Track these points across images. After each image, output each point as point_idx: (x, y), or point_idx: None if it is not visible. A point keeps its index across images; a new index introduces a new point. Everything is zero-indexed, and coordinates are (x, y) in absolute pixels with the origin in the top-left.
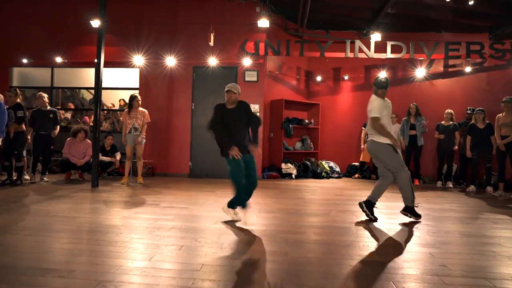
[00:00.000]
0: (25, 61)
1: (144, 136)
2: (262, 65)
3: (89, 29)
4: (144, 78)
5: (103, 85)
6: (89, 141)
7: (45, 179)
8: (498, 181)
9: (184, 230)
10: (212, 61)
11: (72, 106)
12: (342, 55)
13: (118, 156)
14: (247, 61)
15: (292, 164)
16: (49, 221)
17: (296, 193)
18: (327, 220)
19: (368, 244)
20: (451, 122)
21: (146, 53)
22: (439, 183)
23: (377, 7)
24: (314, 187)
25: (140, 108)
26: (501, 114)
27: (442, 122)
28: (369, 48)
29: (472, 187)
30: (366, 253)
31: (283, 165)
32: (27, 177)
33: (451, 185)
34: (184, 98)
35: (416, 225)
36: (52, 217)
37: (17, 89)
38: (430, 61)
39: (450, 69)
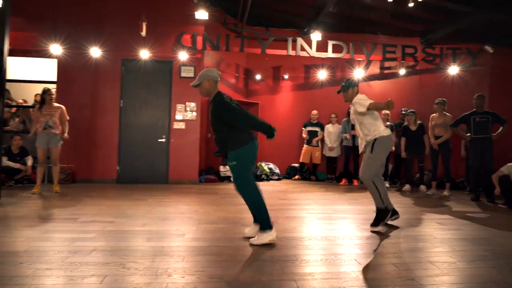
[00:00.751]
0: None
1: (61, 136)
2: (200, 60)
3: None
4: (64, 70)
5: (12, 77)
6: None
7: None
8: (431, 179)
9: (108, 252)
10: (144, 53)
11: None
12: (284, 52)
13: (29, 161)
14: (183, 55)
15: None
16: None
17: (238, 199)
18: (276, 229)
19: (330, 259)
20: (388, 123)
21: (66, 41)
22: None
23: (319, 4)
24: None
25: (55, 104)
26: (434, 115)
27: None
28: (310, 47)
29: (407, 186)
30: (337, 269)
31: (221, 168)
32: None
33: (387, 185)
34: (112, 94)
35: (376, 233)
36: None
37: None
38: (367, 62)
39: (385, 71)
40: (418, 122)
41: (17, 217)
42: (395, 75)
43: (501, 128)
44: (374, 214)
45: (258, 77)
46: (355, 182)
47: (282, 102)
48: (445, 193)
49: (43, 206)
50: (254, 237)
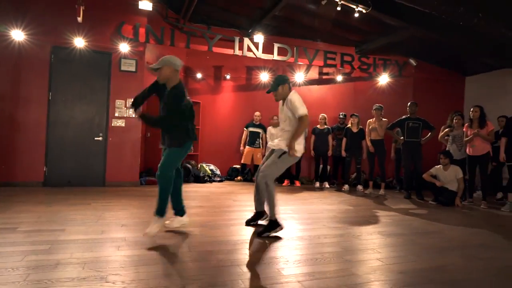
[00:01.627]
0: None
1: None
2: (142, 53)
3: None
4: None
5: None
6: None
7: None
8: (368, 180)
9: (78, 265)
10: (79, 42)
11: None
12: (229, 52)
13: None
14: (124, 47)
15: None
16: None
17: (189, 201)
18: (247, 233)
19: (318, 258)
20: (325, 126)
21: None
22: (317, 184)
23: (267, 7)
24: (202, 193)
25: None
26: (371, 120)
27: (318, 126)
28: (257, 48)
29: (346, 186)
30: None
31: None
32: None
33: (327, 185)
34: (38, 85)
35: (340, 233)
36: None
37: None
38: (307, 67)
39: (324, 77)
40: (360, 126)
41: None
42: (332, 81)
43: (429, 133)
44: (330, 213)
45: (199, 75)
46: (297, 183)
47: (223, 102)
48: (381, 192)
49: None
50: (179, 226)
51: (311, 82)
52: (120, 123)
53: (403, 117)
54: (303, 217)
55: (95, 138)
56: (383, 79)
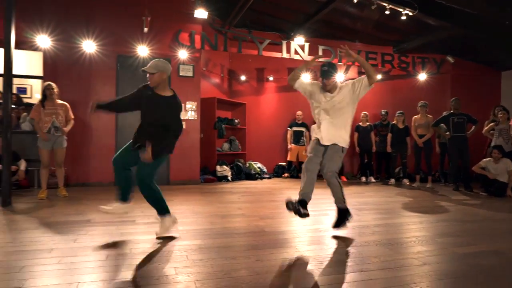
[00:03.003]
0: None
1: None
2: (198, 59)
3: None
4: (52, 64)
5: None
6: None
7: None
8: (415, 174)
9: (199, 248)
10: (142, 50)
11: None
12: (275, 55)
13: (22, 165)
14: (182, 54)
15: (227, 166)
16: None
17: (269, 196)
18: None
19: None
20: (368, 123)
21: (54, 33)
22: (363, 179)
23: (312, 12)
24: (262, 189)
25: (59, 101)
26: (417, 116)
27: (360, 124)
28: (303, 50)
29: (392, 180)
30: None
31: (218, 168)
32: None
33: (373, 179)
34: (107, 92)
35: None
36: None
37: None
38: (347, 67)
39: (362, 76)
40: (405, 124)
41: (84, 223)
42: None
43: (473, 127)
44: (395, 204)
45: (242, 78)
46: (343, 178)
47: (266, 103)
48: (429, 185)
49: (77, 211)
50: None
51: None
52: None
53: (447, 113)
54: (374, 208)
55: None
56: (422, 76)
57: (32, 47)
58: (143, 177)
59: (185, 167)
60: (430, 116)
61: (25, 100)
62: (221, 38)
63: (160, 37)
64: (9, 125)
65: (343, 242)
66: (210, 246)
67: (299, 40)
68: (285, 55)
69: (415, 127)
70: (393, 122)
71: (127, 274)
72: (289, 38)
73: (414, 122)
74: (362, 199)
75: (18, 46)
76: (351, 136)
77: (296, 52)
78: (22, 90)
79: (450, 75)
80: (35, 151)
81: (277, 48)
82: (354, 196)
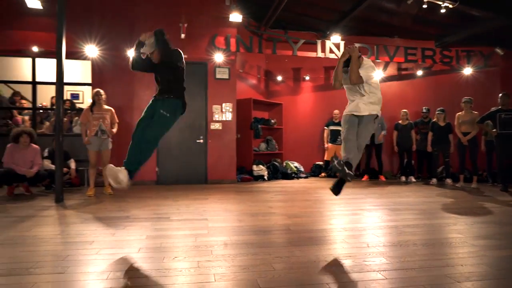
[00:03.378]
0: None
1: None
2: (234, 62)
3: (18, 10)
4: (99, 72)
5: (40, 79)
6: (35, 146)
7: None
8: (459, 173)
9: (240, 245)
10: None
11: None
12: (310, 54)
13: (73, 164)
14: (218, 57)
15: (263, 166)
16: (32, 253)
17: (303, 195)
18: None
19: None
20: (408, 121)
21: (101, 42)
22: (402, 178)
23: (348, 10)
24: (298, 188)
25: (105, 106)
26: (461, 113)
27: (400, 122)
28: (338, 49)
29: (434, 180)
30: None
31: (254, 167)
32: None
33: (414, 179)
34: (148, 96)
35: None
36: (37, 246)
37: None
38: (385, 64)
39: (402, 72)
40: (447, 121)
41: (125, 219)
42: (412, 76)
43: None
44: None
45: (279, 78)
46: (382, 178)
47: (303, 103)
48: (474, 185)
49: (120, 208)
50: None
51: (390, 78)
52: (218, 126)
53: (494, 109)
54: (408, 208)
55: (197, 141)
56: (467, 71)
57: (82, 57)
58: (150, 139)
59: (221, 166)
60: (476, 112)
61: (78, 105)
62: (256, 40)
63: (197, 42)
64: (61, 129)
65: (369, 241)
66: (235, 242)
67: (335, 39)
68: (320, 54)
69: (459, 124)
70: (434, 120)
71: (153, 266)
72: (325, 37)
73: (458, 119)
74: (398, 199)
75: (69, 56)
76: (390, 135)
77: (331, 51)
78: (75, 96)
79: (499, 69)
80: (85, 152)
81: (312, 47)
82: (389, 196)
